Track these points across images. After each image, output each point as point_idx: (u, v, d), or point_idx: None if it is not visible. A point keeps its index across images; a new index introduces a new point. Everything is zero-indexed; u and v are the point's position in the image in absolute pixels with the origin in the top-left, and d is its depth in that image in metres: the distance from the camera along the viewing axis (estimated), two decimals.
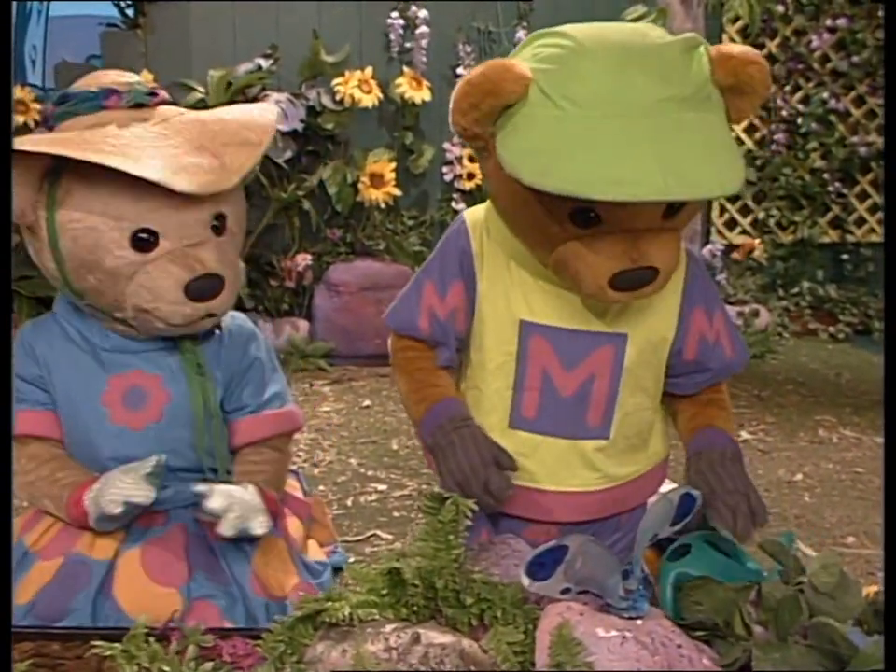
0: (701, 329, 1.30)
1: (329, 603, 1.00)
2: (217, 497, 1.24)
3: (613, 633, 0.94)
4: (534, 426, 1.27)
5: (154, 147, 1.18)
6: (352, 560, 1.78)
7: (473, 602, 1.02)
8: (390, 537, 1.98)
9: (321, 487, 2.27)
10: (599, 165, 1.05)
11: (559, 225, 1.15)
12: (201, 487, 1.25)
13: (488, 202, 1.31)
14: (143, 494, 1.21)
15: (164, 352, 1.30)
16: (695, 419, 1.32)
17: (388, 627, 0.95)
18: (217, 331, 1.33)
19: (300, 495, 1.49)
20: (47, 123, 1.26)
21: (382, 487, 2.27)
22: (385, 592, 1.04)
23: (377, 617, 0.98)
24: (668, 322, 1.29)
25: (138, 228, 1.20)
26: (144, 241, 1.20)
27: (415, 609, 1.02)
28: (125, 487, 1.21)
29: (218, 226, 1.25)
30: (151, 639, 1.01)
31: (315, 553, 1.42)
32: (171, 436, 1.29)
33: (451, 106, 1.16)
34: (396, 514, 2.09)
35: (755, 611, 1.04)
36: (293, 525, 1.41)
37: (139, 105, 1.24)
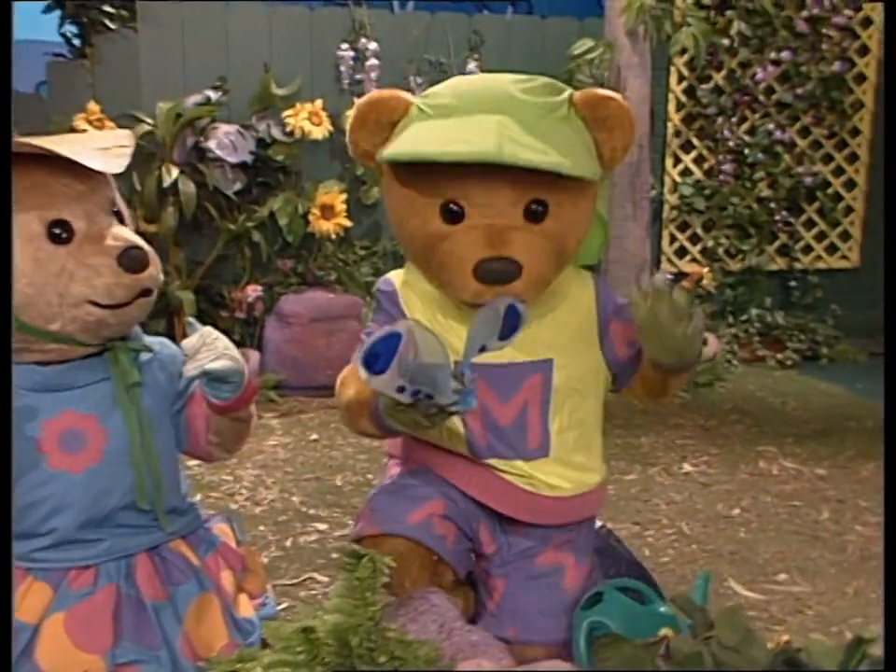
0: (624, 333, 1.40)
1: (240, 664, 1.00)
2: (196, 336, 1.26)
3: None
4: (489, 453, 1.39)
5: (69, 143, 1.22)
6: (283, 606, 1.77)
7: (387, 660, 1.03)
8: (326, 580, 1.96)
9: (261, 528, 2.25)
10: (439, 134, 1.22)
11: (433, 225, 1.29)
12: (191, 320, 1.31)
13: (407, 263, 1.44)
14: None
15: (96, 385, 1.28)
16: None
17: None
18: (147, 355, 1.33)
19: (232, 544, 1.48)
20: None
21: (322, 527, 2.25)
22: (299, 650, 1.04)
23: None
24: (594, 344, 1.41)
25: (52, 220, 1.21)
26: (58, 235, 1.22)
27: (330, 666, 1.03)
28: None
29: (118, 211, 1.30)
30: None
31: (245, 608, 1.40)
32: (113, 476, 1.28)
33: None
34: (334, 556, 2.08)
35: (665, 664, 1.05)
36: (227, 580, 1.39)
37: None
